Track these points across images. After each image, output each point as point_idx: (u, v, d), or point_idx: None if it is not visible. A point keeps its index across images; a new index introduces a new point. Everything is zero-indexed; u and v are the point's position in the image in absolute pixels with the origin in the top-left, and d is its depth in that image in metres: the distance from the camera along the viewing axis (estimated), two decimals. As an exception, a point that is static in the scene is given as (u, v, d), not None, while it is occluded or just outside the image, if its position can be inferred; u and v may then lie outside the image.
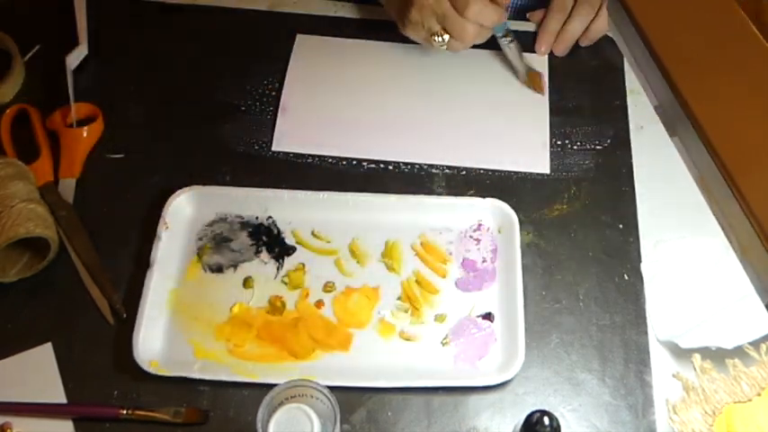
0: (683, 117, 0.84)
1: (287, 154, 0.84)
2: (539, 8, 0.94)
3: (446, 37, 0.82)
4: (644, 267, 0.78)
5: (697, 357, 0.73)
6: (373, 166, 0.84)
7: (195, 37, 0.93)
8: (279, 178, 0.82)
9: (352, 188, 0.80)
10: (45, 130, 0.85)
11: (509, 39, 0.88)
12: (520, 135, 0.86)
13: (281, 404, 0.60)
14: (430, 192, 0.82)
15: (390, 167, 0.84)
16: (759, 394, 0.71)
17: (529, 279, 0.76)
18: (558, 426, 0.61)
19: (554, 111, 0.88)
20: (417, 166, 0.84)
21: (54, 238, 0.75)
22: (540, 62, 0.92)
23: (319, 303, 0.75)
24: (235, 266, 0.77)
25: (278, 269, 0.77)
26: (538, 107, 0.88)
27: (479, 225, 0.79)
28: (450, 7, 0.80)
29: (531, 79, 0.89)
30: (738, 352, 0.73)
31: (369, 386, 0.70)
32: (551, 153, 0.85)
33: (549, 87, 0.90)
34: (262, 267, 0.77)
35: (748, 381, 0.72)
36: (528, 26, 0.95)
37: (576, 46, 0.92)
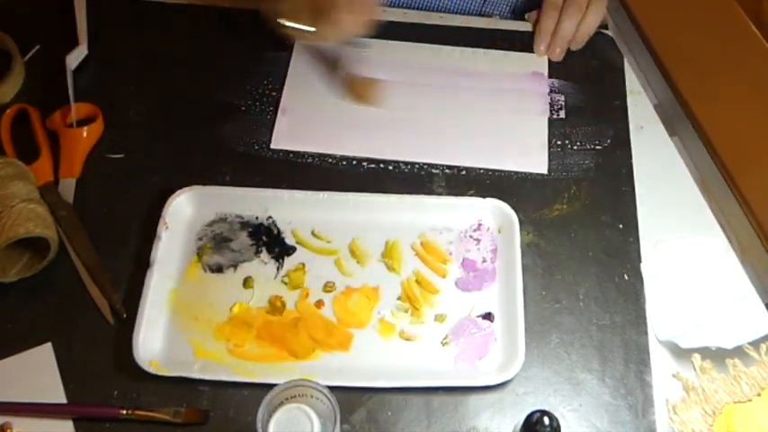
0: (683, 117, 0.84)
1: (287, 153, 0.84)
2: (536, 8, 0.94)
3: (304, 27, 0.80)
4: (644, 267, 0.78)
5: (697, 357, 0.73)
6: (373, 166, 0.84)
7: (195, 37, 0.93)
8: (279, 178, 0.82)
9: (352, 188, 0.80)
10: (45, 130, 0.85)
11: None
12: (519, 135, 0.86)
13: (281, 404, 0.60)
14: (430, 192, 0.82)
15: (390, 167, 0.84)
16: (759, 394, 0.71)
17: (529, 279, 0.76)
18: (558, 426, 0.61)
19: (554, 111, 0.88)
20: (417, 166, 0.84)
21: (54, 238, 0.75)
22: (539, 62, 0.92)
23: (319, 303, 0.75)
24: (235, 266, 0.77)
25: (278, 269, 0.77)
26: (537, 108, 0.88)
27: (479, 225, 0.79)
28: (328, 3, 0.77)
29: (361, 89, 0.88)
30: (738, 352, 0.73)
31: (369, 386, 0.70)
32: (551, 153, 0.85)
33: (550, 87, 0.90)
34: (262, 267, 0.77)
35: (748, 381, 0.72)
36: (522, 26, 0.95)
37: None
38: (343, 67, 0.87)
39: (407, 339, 0.73)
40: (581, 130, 0.87)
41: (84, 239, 0.77)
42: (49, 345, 0.72)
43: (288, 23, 0.79)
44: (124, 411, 0.68)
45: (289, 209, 0.79)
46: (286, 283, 0.76)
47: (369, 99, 0.87)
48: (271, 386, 0.59)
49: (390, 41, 0.93)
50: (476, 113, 0.88)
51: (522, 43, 0.93)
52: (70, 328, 0.73)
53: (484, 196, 0.80)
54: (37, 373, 0.71)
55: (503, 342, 0.73)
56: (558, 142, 0.86)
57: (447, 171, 0.84)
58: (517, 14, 0.98)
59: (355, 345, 0.73)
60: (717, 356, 0.73)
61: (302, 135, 0.86)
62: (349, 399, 0.69)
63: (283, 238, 0.78)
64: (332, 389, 0.60)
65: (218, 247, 0.78)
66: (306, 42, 0.82)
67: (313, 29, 0.79)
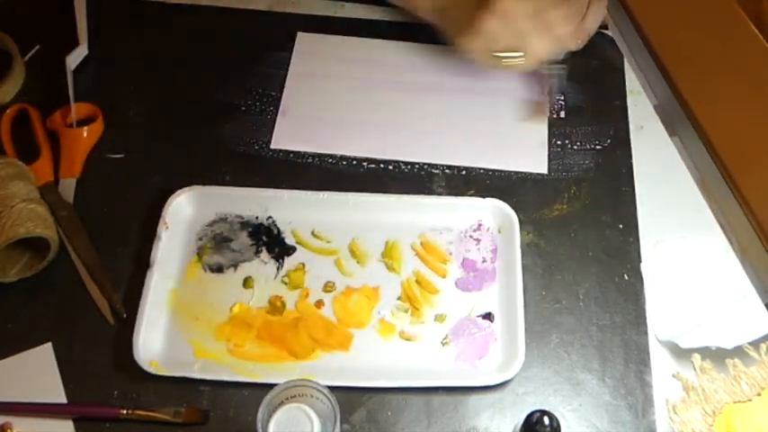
0: (683, 117, 0.84)
1: (287, 153, 0.84)
2: None
3: (516, 54, 0.79)
4: (644, 267, 0.78)
5: (697, 357, 0.73)
6: (373, 166, 0.84)
7: (195, 37, 0.93)
8: (279, 178, 0.82)
9: (352, 188, 0.80)
10: (45, 130, 0.85)
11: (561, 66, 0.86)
12: (519, 135, 0.86)
13: (281, 404, 0.60)
14: (430, 192, 0.82)
15: (390, 167, 0.84)
16: (759, 394, 0.71)
17: (529, 279, 0.76)
18: (558, 426, 0.61)
19: (554, 111, 0.88)
20: (417, 166, 0.84)
21: (54, 238, 0.75)
22: (540, 62, 0.92)
23: (319, 303, 0.75)
24: (235, 266, 0.77)
25: (278, 269, 0.77)
26: (537, 107, 0.88)
27: (479, 225, 0.79)
28: (535, 23, 0.77)
29: (539, 108, 0.88)
30: (738, 352, 0.73)
31: (369, 386, 0.70)
32: (551, 153, 0.85)
33: (550, 87, 0.90)
34: (262, 267, 0.77)
35: (748, 381, 0.72)
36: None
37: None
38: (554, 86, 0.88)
39: (407, 339, 0.73)
40: (581, 130, 0.87)
41: (84, 239, 0.77)
42: (49, 345, 0.72)
43: (501, 54, 0.79)
44: (124, 411, 0.68)
45: (289, 209, 0.79)
46: (286, 283, 0.76)
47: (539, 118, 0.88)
48: (271, 386, 0.59)
49: (390, 41, 0.93)
50: (476, 113, 0.88)
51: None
52: (70, 328, 0.73)
53: (484, 196, 0.80)
54: (37, 373, 0.71)
55: (503, 342, 0.73)
56: (558, 142, 0.86)
57: (447, 171, 0.84)
58: None
59: (355, 345, 0.73)
60: (717, 356, 0.73)
61: (302, 135, 0.86)
62: (349, 399, 0.69)
63: (283, 238, 0.78)
64: (332, 389, 0.60)
65: (218, 247, 0.78)
66: (519, 70, 0.83)
67: (521, 54, 0.79)
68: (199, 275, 0.76)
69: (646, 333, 0.74)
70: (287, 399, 0.60)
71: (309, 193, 0.79)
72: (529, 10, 0.77)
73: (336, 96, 0.89)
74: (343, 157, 0.84)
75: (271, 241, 0.78)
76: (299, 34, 0.93)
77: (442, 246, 0.78)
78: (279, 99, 0.88)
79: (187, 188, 0.79)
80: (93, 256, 0.77)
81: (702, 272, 0.78)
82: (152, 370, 0.69)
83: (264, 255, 0.77)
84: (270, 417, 0.59)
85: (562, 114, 0.88)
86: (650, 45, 0.90)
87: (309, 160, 0.84)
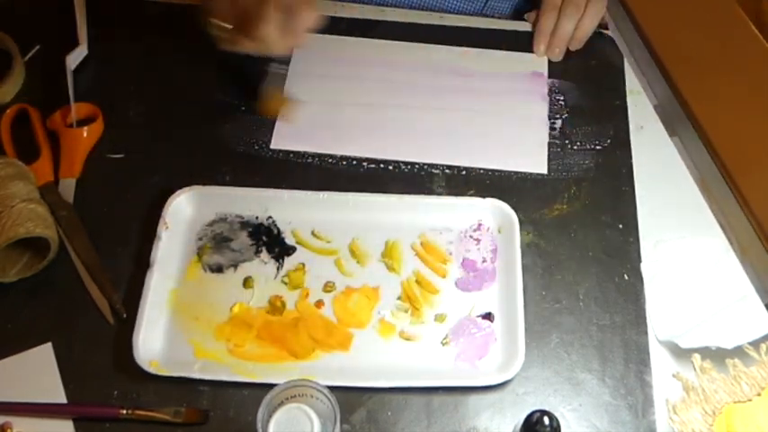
0: (683, 117, 0.84)
1: (287, 154, 0.84)
2: (535, 9, 0.95)
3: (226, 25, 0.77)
4: (644, 267, 0.78)
5: (697, 357, 0.73)
6: (373, 166, 0.84)
7: (195, 37, 0.93)
8: (279, 178, 0.82)
9: (352, 188, 0.80)
10: (45, 130, 0.85)
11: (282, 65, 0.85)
12: (519, 135, 0.86)
13: (281, 404, 0.60)
14: (430, 192, 0.82)
15: (390, 167, 0.84)
16: (759, 394, 0.71)
17: (529, 279, 0.76)
18: (558, 426, 0.61)
19: (554, 111, 0.88)
20: (417, 166, 0.84)
21: (54, 238, 0.75)
22: (539, 62, 0.92)
23: (319, 303, 0.75)
24: (235, 266, 0.77)
25: (278, 269, 0.77)
26: (537, 108, 0.88)
27: (479, 225, 0.79)
28: (257, 15, 0.74)
29: (277, 104, 0.86)
30: (738, 352, 0.73)
31: (369, 386, 0.70)
32: (551, 153, 0.85)
33: (550, 87, 0.90)
34: (262, 267, 0.77)
35: (748, 381, 0.72)
36: (522, 26, 0.95)
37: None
38: (266, 77, 0.86)
39: (407, 339, 0.73)
40: (581, 130, 0.87)
41: (84, 239, 0.77)
42: (49, 345, 0.72)
43: (216, 22, 0.77)
44: (124, 411, 0.68)
45: (289, 209, 0.79)
46: (286, 283, 0.76)
47: (280, 115, 0.86)
48: (271, 386, 0.59)
49: (390, 41, 0.93)
50: (476, 114, 0.88)
51: (522, 43, 0.93)
52: (70, 328, 0.73)
53: (484, 196, 0.80)
54: (37, 373, 0.71)
55: (503, 342, 0.73)
56: (558, 142, 0.86)
57: (447, 171, 0.84)
58: (517, 15, 0.98)
59: (355, 345, 0.73)
60: (717, 356, 0.73)
61: (302, 135, 0.86)
62: (349, 399, 0.69)
63: (283, 238, 0.78)
64: (332, 389, 0.60)
65: (218, 246, 0.78)
66: (228, 47, 0.79)
67: (230, 26, 0.76)
68: (199, 275, 0.76)
69: (646, 333, 0.74)
70: (287, 399, 0.60)
71: (309, 193, 0.79)
72: None
73: (336, 96, 0.89)
74: (343, 157, 0.84)
75: (271, 241, 0.78)
76: (300, 34, 0.93)
77: (442, 246, 0.78)
78: (279, 99, 0.88)
79: (187, 188, 0.79)
80: (93, 256, 0.76)
81: (702, 272, 0.78)
82: (152, 370, 0.69)
83: (264, 255, 0.77)
84: (270, 417, 0.59)
85: (562, 114, 0.88)
86: (650, 45, 0.91)
87: (309, 160, 0.84)
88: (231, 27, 0.76)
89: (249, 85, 0.87)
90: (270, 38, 0.75)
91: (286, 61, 0.85)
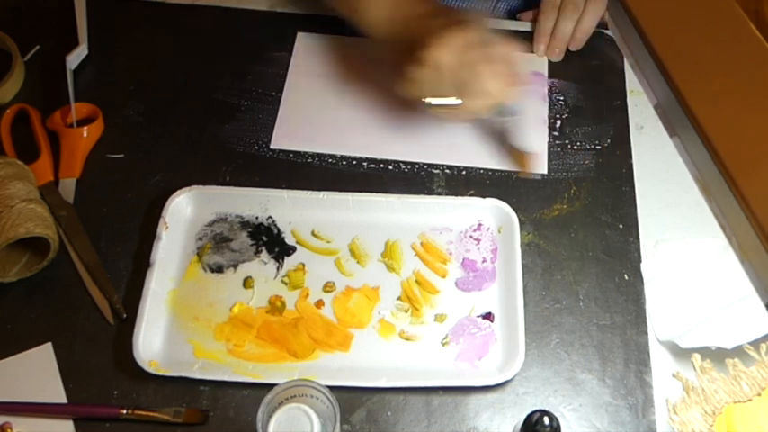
0: (683, 117, 0.84)
1: (287, 153, 0.84)
2: (530, 9, 0.95)
3: (451, 101, 0.74)
4: (644, 267, 0.78)
5: (697, 357, 0.73)
6: (373, 166, 0.84)
7: (195, 37, 0.93)
8: (279, 178, 0.82)
9: (352, 188, 0.80)
10: (45, 130, 0.85)
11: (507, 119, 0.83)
12: (519, 135, 0.86)
13: (281, 404, 0.60)
14: (430, 192, 0.82)
15: (390, 167, 0.84)
16: (759, 394, 0.71)
17: (529, 279, 0.76)
18: (558, 426, 0.61)
19: (554, 111, 0.88)
20: (417, 166, 0.84)
21: (54, 238, 0.75)
22: (539, 62, 0.92)
23: (319, 303, 0.75)
24: (235, 266, 0.77)
25: (278, 269, 0.77)
26: (537, 108, 0.88)
27: (479, 225, 0.79)
28: (472, 75, 0.73)
29: (520, 160, 0.85)
30: (738, 352, 0.73)
31: (369, 386, 0.70)
32: (551, 153, 0.85)
33: (550, 87, 0.90)
34: (262, 267, 0.77)
35: (748, 381, 0.72)
36: (523, 26, 0.95)
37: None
38: (509, 137, 0.85)
39: (407, 339, 0.73)
40: (581, 130, 0.87)
41: (84, 239, 0.77)
42: (49, 345, 0.72)
43: (434, 101, 0.75)
44: (124, 411, 0.68)
45: (289, 209, 0.79)
46: (286, 283, 0.76)
47: (527, 168, 0.85)
48: (271, 386, 0.59)
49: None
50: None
51: (522, 43, 0.93)
52: (70, 328, 0.73)
53: (484, 196, 0.80)
54: (37, 373, 0.71)
55: (503, 342, 0.73)
56: (558, 142, 0.86)
57: (447, 171, 0.84)
58: (510, 16, 0.98)
59: (355, 345, 0.73)
60: (717, 356, 0.73)
61: (302, 135, 0.86)
62: (349, 399, 0.69)
63: (283, 238, 0.78)
64: (332, 389, 0.60)
65: (218, 247, 0.78)
66: (457, 119, 0.79)
67: (459, 101, 0.74)
68: (199, 275, 0.76)
69: (646, 333, 0.74)
70: (287, 399, 0.60)
71: (309, 193, 0.79)
72: (455, 61, 0.72)
73: (336, 96, 0.89)
74: (343, 157, 0.84)
75: (271, 241, 0.78)
76: (299, 34, 0.93)
77: (442, 246, 0.78)
78: (279, 99, 0.88)
79: (187, 188, 0.79)
80: (93, 256, 0.77)
81: (702, 272, 0.78)
82: (152, 370, 0.69)
83: (264, 255, 0.77)
84: (270, 417, 0.59)
85: (562, 114, 0.88)
86: (650, 45, 0.90)
87: (309, 160, 0.84)
88: (452, 101, 0.74)
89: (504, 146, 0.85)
90: (491, 90, 0.73)
91: (513, 112, 0.81)
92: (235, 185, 0.80)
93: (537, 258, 0.78)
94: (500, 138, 0.86)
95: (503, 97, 0.75)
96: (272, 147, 0.85)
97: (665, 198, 0.82)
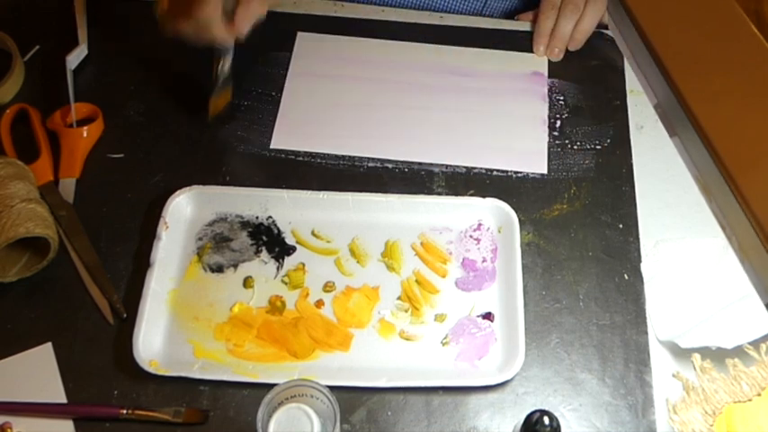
0: (683, 117, 0.84)
1: (287, 153, 0.84)
2: (527, 11, 0.95)
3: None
4: (644, 267, 0.78)
5: (697, 357, 0.73)
6: (373, 166, 0.84)
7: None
8: (279, 178, 0.82)
9: (352, 188, 0.80)
10: (45, 130, 0.85)
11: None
12: (519, 135, 0.86)
13: (281, 404, 0.60)
14: (430, 192, 0.82)
15: (390, 167, 0.84)
16: (759, 394, 0.71)
17: (529, 279, 0.76)
18: (558, 426, 0.61)
19: (554, 111, 0.88)
20: (417, 166, 0.84)
21: (54, 238, 0.75)
22: (539, 62, 0.92)
23: (319, 303, 0.75)
24: (235, 266, 0.77)
25: (278, 269, 0.77)
26: (537, 108, 0.88)
27: (479, 225, 0.79)
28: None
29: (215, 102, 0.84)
30: (738, 352, 0.73)
31: (369, 386, 0.70)
32: (551, 153, 0.85)
33: (550, 87, 0.90)
34: (262, 267, 0.77)
35: (748, 381, 0.72)
36: (523, 26, 0.95)
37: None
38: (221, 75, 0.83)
39: (407, 339, 0.73)
40: (581, 130, 0.87)
41: (84, 239, 0.77)
42: (49, 345, 0.72)
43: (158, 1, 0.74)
44: (124, 411, 0.68)
45: (289, 209, 0.79)
46: (286, 283, 0.76)
47: (218, 111, 0.84)
48: (271, 386, 0.59)
49: (390, 41, 0.93)
50: (476, 113, 0.88)
51: (522, 43, 0.93)
52: (70, 328, 0.73)
53: (484, 196, 0.80)
54: (37, 373, 0.71)
55: (503, 342, 0.73)
56: (558, 142, 0.86)
57: (447, 171, 0.84)
58: (509, 17, 0.98)
59: (355, 345, 0.73)
60: (717, 356, 0.73)
61: (302, 135, 0.86)
62: (349, 399, 0.69)
63: (283, 238, 0.78)
64: (332, 389, 0.60)
65: (218, 246, 0.78)
66: (169, 31, 0.76)
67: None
68: (199, 275, 0.76)
69: (646, 333, 0.74)
70: (287, 399, 0.60)
71: (309, 193, 0.79)
72: None
73: (336, 96, 0.89)
74: (343, 157, 0.84)
75: (271, 241, 0.78)
76: (299, 34, 0.93)
77: (442, 246, 0.78)
78: (279, 99, 0.88)
79: (187, 188, 0.79)
80: (93, 256, 0.77)
81: (702, 272, 0.78)
82: (152, 370, 0.69)
83: (264, 255, 0.77)
84: (270, 417, 0.59)
85: (558, 124, 0.88)
86: (650, 45, 0.90)
87: (309, 160, 0.84)
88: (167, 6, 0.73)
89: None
90: (210, 21, 0.73)
91: (228, 53, 0.81)
92: (235, 185, 0.80)
93: (537, 258, 0.78)
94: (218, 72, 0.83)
95: (214, 33, 0.74)
96: (272, 147, 0.85)
97: (665, 198, 0.82)
